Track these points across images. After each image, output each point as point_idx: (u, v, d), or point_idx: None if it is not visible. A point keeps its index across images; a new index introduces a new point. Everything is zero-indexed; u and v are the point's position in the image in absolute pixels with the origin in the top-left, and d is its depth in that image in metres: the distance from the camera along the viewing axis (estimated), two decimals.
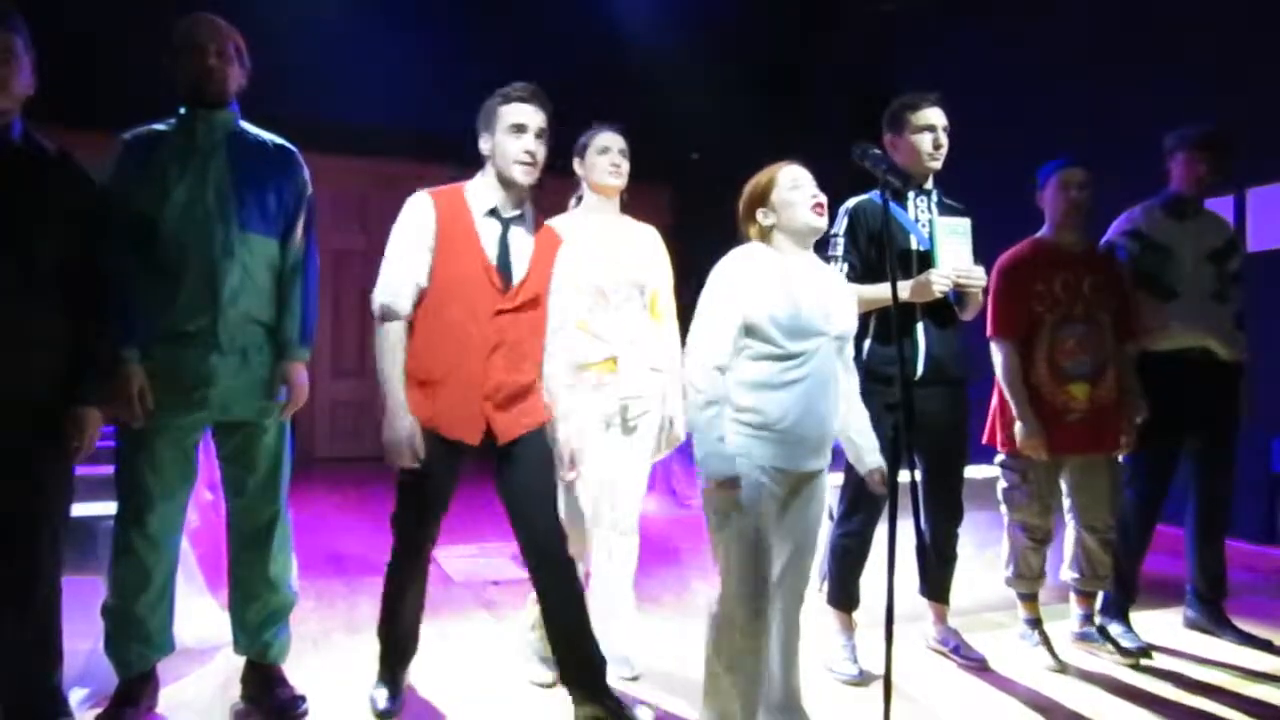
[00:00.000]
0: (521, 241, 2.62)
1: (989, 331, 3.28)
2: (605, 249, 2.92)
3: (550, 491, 2.64)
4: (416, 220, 2.56)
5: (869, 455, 2.48)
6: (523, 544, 2.64)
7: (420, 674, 2.96)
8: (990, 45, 6.31)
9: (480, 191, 2.61)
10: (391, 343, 2.54)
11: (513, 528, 2.65)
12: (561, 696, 2.83)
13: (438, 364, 2.53)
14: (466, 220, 2.56)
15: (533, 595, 2.87)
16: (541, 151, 2.57)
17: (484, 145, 2.61)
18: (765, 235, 2.42)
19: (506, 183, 2.58)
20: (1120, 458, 3.35)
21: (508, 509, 2.64)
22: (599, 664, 2.62)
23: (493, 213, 2.59)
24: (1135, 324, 3.35)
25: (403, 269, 2.54)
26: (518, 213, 2.62)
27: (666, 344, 3.03)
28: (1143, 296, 3.43)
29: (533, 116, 2.55)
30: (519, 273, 2.59)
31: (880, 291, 2.84)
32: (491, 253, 2.56)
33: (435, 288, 2.54)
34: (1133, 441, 3.27)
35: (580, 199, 3.06)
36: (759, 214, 2.41)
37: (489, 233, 2.58)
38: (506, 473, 2.62)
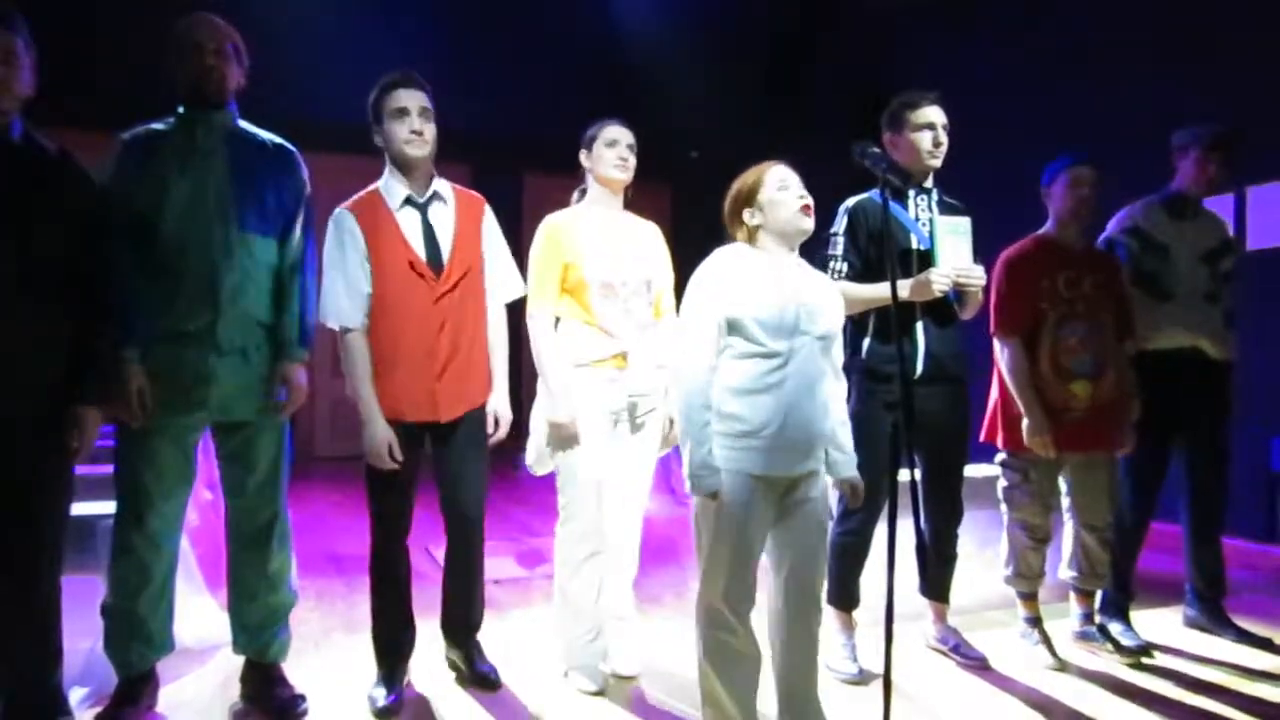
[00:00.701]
0: (443, 219, 2.76)
1: (992, 328, 3.28)
2: (611, 244, 2.92)
3: (482, 466, 2.86)
4: (345, 238, 2.68)
5: (843, 467, 2.43)
6: (448, 511, 2.85)
7: (420, 672, 2.97)
8: (990, 44, 6.31)
9: (390, 185, 2.74)
10: (355, 354, 2.69)
11: (440, 495, 2.83)
12: (564, 695, 2.85)
13: (390, 355, 2.68)
14: (388, 219, 2.69)
15: (560, 603, 2.95)
16: (429, 129, 2.69)
17: (377, 139, 2.75)
18: (752, 235, 2.40)
19: (405, 165, 2.71)
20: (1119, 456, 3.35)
21: (439, 478, 2.83)
22: (474, 619, 2.95)
23: (408, 201, 2.72)
24: (1133, 323, 3.35)
25: (347, 286, 2.67)
26: (432, 192, 2.75)
27: (669, 341, 3.03)
28: (1138, 295, 3.43)
29: (412, 98, 2.67)
30: (446, 251, 2.73)
31: (880, 291, 2.84)
32: (417, 244, 2.70)
33: (377, 291, 2.68)
34: (1131, 440, 3.27)
35: (584, 192, 3.05)
36: (745, 214, 2.39)
37: (410, 224, 2.71)
38: (444, 444, 2.79)
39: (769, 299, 2.27)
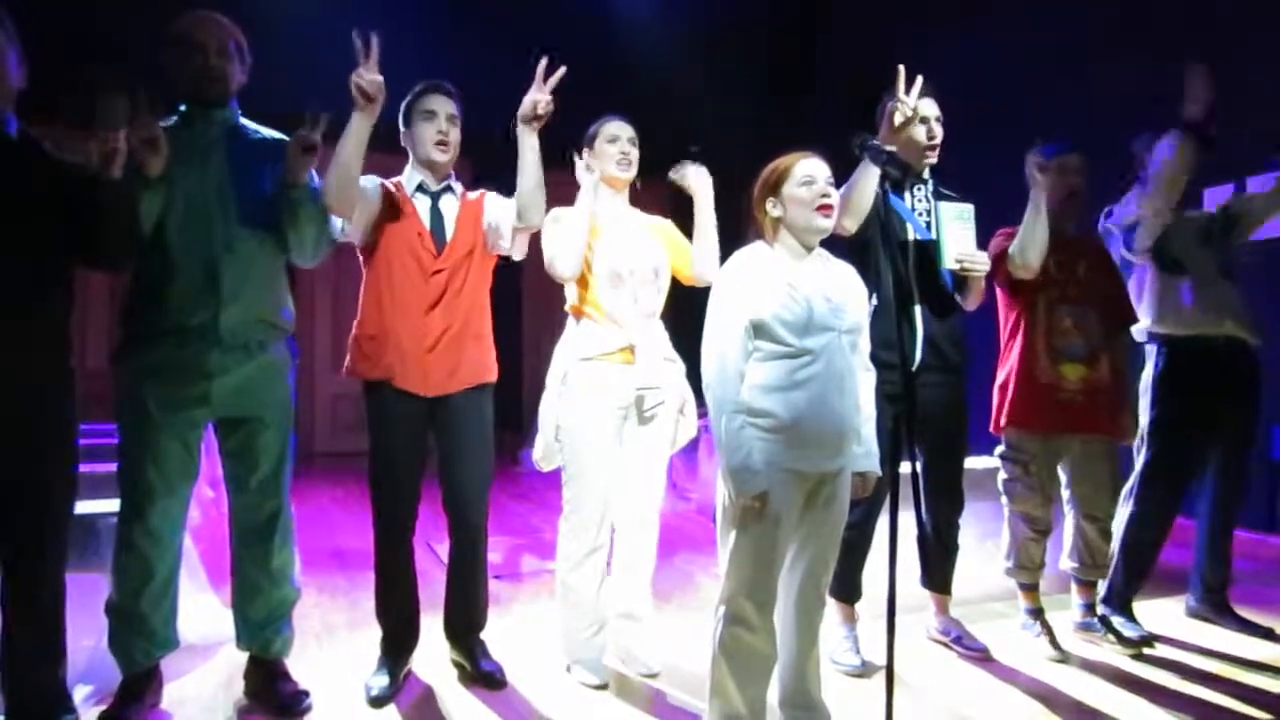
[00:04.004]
0: (451, 207, 2.87)
1: (1003, 286, 3.28)
2: (619, 234, 2.92)
3: (483, 454, 2.86)
4: (365, 183, 2.72)
5: (860, 460, 2.42)
6: (450, 512, 2.86)
7: (425, 670, 2.97)
8: (989, 36, 6.30)
9: (410, 175, 2.88)
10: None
11: (442, 495, 2.85)
12: (567, 689, 2.86)
13: (384, 319, 2.75)
14: (403, 195, 2.83)
15: (562, 597, 2.95)
16: (454, 134, 2.83)
17: (404, 141, 2.87)
18: (773, 226, 2.39)
19: (427, 164, 2.83)
20: (1125, 446, 3.34)
21: (441, 476, 2.85)
22: (476, 620, 2.95)
23: (420, 188, 2.85)
24: (1128, 308, 3.35)
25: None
26: (444, 185, 2.87)
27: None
28: (1156, 273, 3.42)
29: (441, 104, 2.81)
30: (449, 233, 2.82)
31: (865, 180, 2.73)
32: (425, 219, 2.81)
33: (380, 255, 2.77)
34: (1132, 430, 3.27)
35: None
36: (768, 204, 2.38)
37: (421, 204, 2.84)
38: (443, 426, 2.81)
39: (791, 299, 2.26)
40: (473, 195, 2.94)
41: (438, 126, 2.78)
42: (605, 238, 2.89)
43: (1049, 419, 3.21)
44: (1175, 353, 3.40)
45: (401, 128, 2.86)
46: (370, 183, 2.75)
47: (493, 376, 2.90)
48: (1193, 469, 3.48)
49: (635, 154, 2.95)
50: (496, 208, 2.89)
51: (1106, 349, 3.24)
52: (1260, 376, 3.50)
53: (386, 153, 2.87)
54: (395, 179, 2.87)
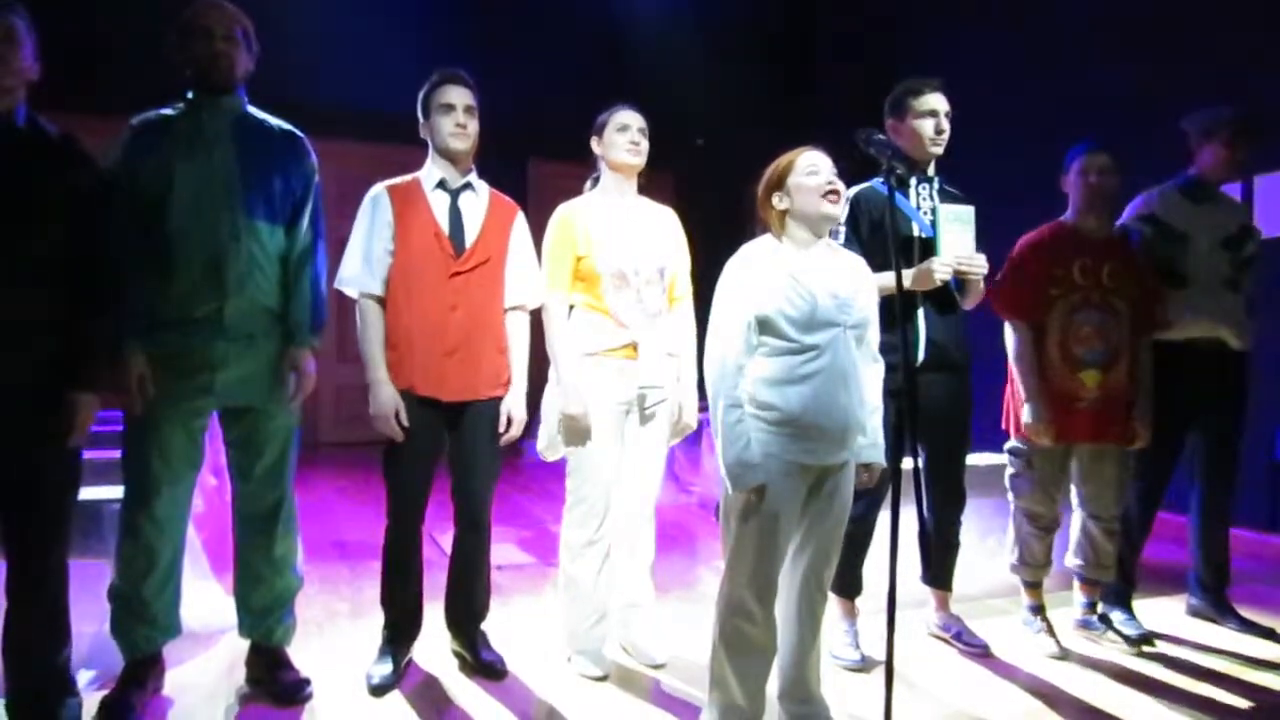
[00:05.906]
0: (472, 207, 2.86)
1: (999, 311, 3.27)
2: (624, 233, 2.91)
3: (494, 462, 2.89)
4: (375, 207, 2.80)
5: (864, 452, 2.42)
6: (457, 503, 2.89)
7: (423, 655, 2.99)
8: (995, 30, 6.28)
9: (429, 171, 2.87)
10: (369, 318, 2.77)
11: (451, 485, 2.88)
12: (568, 680, 2.87)
13: (404, 327, 2.74)
14: (420, 197, 2.81)
15: (564, 588, 2.96)
16: (473, 124, 2.82)
17: (423, 132, 2.87)
18: (780, 220, 2.39)
19: (446, 155, 2.83)
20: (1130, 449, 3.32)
21: (452, 469, 2.88)
22: (478, 610, 2.97)
23: (440, 184, 2.83)
24: (1157, 313, 3.31)
25: (367, 253, 2.77)
26: (465, 181, 2.86)
27: (681, 328, 3.03)
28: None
29: (459, 95, 2.80)
30: (471, 236, 2.82)
31: (882, 280, 2.83)
32: (443, 221, 2.80)
33: (398, 261, 2.76)
34: (1144, 434, 3.25)
35: (597, 180, 3.03)
36: (775, 198, 2.38)
37: (439, 203, 2.82)
38: (458, 433, 2.83)
39: (797, 295, 2.26)
40: (504, 201, 2.94)
41: (455, 119, 2.78)
42: (611, 237, 2.88)
43: (1063, 429, 3.18)
44: (1157, 352, 3.37)
45: (420, 118, 2.86)
46: (381, 219, 2.76)
47: (505, 390, 2.89)
48: (1170, 467, 3.46)
49: (645, 144, 2.95)
50: (517, 254, 2.91)
51: (1126, 352, 3.20)
52: (1246, 376, 3.49)
53: (402, 144, 2.88)
54: (414, 175, 2.86)
